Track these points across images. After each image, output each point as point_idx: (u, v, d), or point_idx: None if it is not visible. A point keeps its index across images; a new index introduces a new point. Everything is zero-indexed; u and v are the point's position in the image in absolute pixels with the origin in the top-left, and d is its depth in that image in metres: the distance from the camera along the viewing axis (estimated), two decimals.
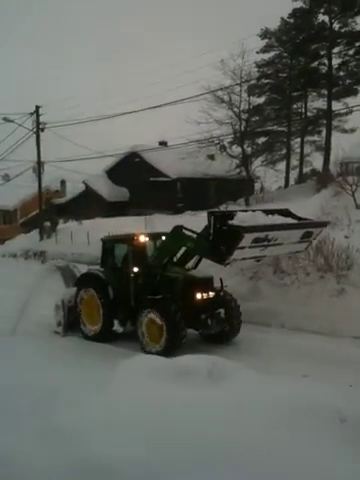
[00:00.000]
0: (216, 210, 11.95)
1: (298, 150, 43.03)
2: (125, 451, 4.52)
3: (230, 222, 9.80)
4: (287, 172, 41.86)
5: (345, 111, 39.76)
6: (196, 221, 25.62)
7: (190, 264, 12.06)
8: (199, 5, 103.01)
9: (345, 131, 41.68)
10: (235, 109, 34.83)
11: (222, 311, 11.12)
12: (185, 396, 5.42)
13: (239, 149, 36.76)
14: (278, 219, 10.96)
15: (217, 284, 11.50)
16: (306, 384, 5.80)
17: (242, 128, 35.51)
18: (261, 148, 41.85)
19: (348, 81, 40.29)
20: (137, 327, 10.83)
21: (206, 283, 11.12)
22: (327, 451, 4.32)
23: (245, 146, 37.18)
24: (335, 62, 39.13)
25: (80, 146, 36.18)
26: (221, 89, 33.78)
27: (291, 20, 39.24)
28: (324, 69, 39.67)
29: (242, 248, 9.70)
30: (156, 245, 12.20)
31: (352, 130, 41.60)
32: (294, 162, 43.55)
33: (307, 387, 5.56)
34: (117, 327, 11.87)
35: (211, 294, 11.03)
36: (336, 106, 39.75)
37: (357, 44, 38.39)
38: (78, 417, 5.29)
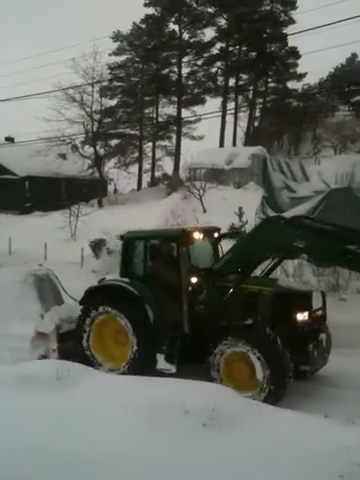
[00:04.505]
0: None
1: (150, 154, 44.02)
2: None
3: None
4: (140, 175, 42.52)
5: (194, 119, 41.78)
6: (45, 223, 24.82)
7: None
8: (51, 1, 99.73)
9: (194, 138, 43.77)
10: (87, 109, 34.41)
11: (324, 337, 8.29)
12: (30, 402, 5.15)
13: (92, 149, 36.42)
14: None
15: None
16: (159, 383, 5.84)
17: (94, 128, 35.22)
18: (114, 150, 42.06)
19: (196, 90, 42.43)
20: (208, 366, 7.62)
21: (306, 300, 7.96)
22: (166, 443, 4.43)
23: (98, 147, 36.95)
24: (184, 71, 41.00)
25: None
26: (72, 88, 33.15)
27: (143, 25, 40.00)
28: (174, 77, 41.20)
29: None
30: (209, 245, 8.99)
31: (200, 137, 43.89)
32: (146, 166, 44.51)
33: (159, 387, 5.61)
34: (163, 365, 8.04)
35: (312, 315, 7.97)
36: (185, 113, 41.65)
37: (205, 55, 40.54)
38: None
